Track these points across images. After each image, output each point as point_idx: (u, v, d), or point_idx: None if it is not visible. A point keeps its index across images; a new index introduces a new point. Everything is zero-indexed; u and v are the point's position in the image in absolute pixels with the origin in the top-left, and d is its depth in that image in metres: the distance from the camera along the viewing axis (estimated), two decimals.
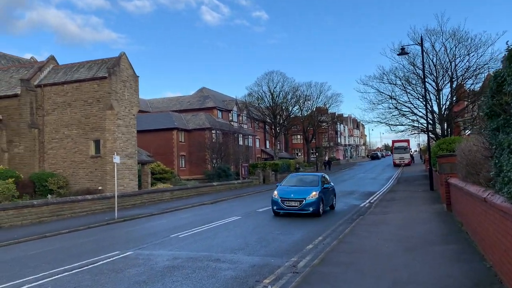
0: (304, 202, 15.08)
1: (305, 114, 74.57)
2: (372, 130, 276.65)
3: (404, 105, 33.25)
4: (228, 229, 12.83)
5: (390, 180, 35.95)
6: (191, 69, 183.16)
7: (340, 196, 23.39)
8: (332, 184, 18.16)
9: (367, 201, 20.74)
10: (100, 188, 26.83)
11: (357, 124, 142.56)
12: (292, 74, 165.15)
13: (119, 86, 28.16)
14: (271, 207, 16.40)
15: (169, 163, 44.73)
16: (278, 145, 76.34)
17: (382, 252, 8.51)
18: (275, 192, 16.18)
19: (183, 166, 47.04)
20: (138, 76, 30.55)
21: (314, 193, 15.33)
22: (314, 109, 77.45)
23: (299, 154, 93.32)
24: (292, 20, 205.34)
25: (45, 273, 7.86)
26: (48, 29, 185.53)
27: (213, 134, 46.27)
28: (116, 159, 17.39)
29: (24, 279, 7.50)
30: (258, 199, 24.54)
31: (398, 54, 24.28)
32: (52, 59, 30.57)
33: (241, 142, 55.89)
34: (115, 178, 18.96)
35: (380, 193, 24.56)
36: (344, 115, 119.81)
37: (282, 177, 45.62)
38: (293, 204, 15.28)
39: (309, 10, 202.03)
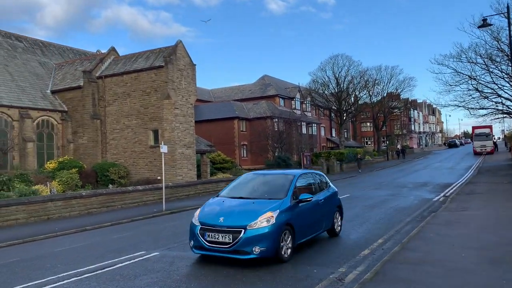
0: (241, 236, 7.36)
1: (375, 100, 70.75)
2: (450, 116, 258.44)
3: (487, 86, 29.37)
4: None
5: (469, 170, 32.26)
6: (256, 59, 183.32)
7: (412, 189, 21.02)
8: (330, 190, 10.21)
9: (442, 194, 18.22)
10: (159, 178, 26.71)
11: (432, 110, 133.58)
12: (361, 59, 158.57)
13: (175, 75, 27.72)
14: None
15: (231, 152, 44.23)
16: (345, 133, 73.29)
17: (458, 265, 6.60)
18: (197, 212, 8.40)
19: (245, 155, 46.34)
20: (195, 65, 29.93)
21: (266, 215, 7.59)
22: (385, 95, 73.35)
23: (369, 142, 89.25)
24: (360, 3, 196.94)
25: (53, 277, 7.05)
26: (122, 26, 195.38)
27: (274, 123, 44.92)
28: (164, 149, 16.66)
29: (25, 285, 6.72)
30: None
31: (479, 27, 21.01)
32: (112, 50, 30.94)
33: (304, 131, 54.02)
34: (163, 168, 18.26)
35: (458, 185, 21.70)
36: (419, 101, 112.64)
37: (348, 167, 43.28)
38: (220, 240, 7.48)
39: None
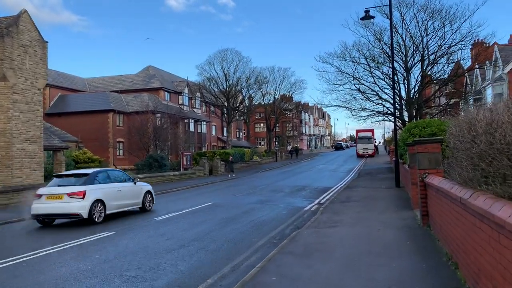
0: None
1: (268, 101, 70.18)
2: (337, 120, 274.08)
3: (369, 88, 28.83)
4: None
5: (350, 173, 31.68)
6: (153, 56, 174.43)
7: (287, 194, 18.70)
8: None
9: (317, 201, 16.07)
10: None
11: (322, 114, 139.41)
12: (258, 62, 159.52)
13: (16, 51, 22.27)
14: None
15: (104, 150, 38.93)
16: (237, 133, 71.38)
17: None
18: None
19: (121, 154, 41.24)
20: (47, 42, 24.67)
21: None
22: (278, 97, 73.32)
23: (262, 143, 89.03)
24: (258, 8, 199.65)
25: None
26: (2, 10, 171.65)
27: (157, 118, 40.55)
28: None
29: None
30: (189, 196, 19.51)
31: (361, 19, 19.56)
32: None
33: (192, 128, 50.49)
34: None
35: (336, 190, 20.02)
36: (310, 104, 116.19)
37: (234, 168, 40.73)
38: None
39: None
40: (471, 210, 4.74)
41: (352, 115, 28.81)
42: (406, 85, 27.15)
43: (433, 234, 8.44)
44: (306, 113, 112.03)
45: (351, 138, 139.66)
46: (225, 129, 66.74)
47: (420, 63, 27.43)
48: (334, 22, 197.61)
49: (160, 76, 49.88)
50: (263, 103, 70.73)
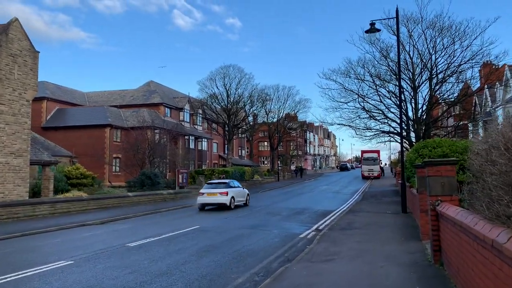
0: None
1: (272, 120, 69.19)
2: (343, 140, 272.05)
3: (374, 106, 27.52)
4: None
5: (355, 195, 30.10)
6: (158, 74, 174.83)
7: (283, 218, 17.25)
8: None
9: (315, 227, 14.58)
10: None
11: (328, 134, 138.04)
12: (262, 81, 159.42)
13: (4, 60, 21.31)
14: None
15: (99, 166, 37.71)
16: (240, 151, 70.06)
17: None
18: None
19: (117, 170, 39.94)
20: (39, 52, 23.78)
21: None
22: (283, 115, 72.42)
23: (265, 162, 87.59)
24: (264, 28, 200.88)
25: None
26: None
27: (155, 134, 39.36)
28: None
29: None
30: (178, 217, 18.06)
31: (366, 31, 18.26)
32: None
33: (193, 146, 49.29)
34: None
35: (338, 214, 18.51)
36: (315, 124, 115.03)
37: None
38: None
39: (280, 18, 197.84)
40: (511, 261, 3.33)
41: (357, 134, 27.46)
42: (413, 104, 25.82)
43: (447, 275, 6.96)
44: (311, 133, 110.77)
45: (357, 159, 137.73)
46: (226, 146, 65.63)
47: (428, 82, 26.15)
48: (339, 40, 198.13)
49: (161, 92, 48.95)
50: (267, 121, 69.78)
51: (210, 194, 20.99)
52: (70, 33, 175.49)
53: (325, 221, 16.13)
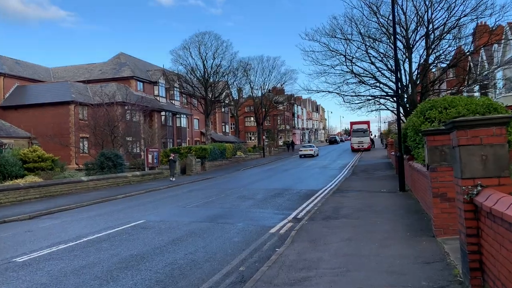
0: None
1: (258, 94, 65.87)
2: (331, 112, 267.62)
3: (364, 70, 24.27)
4: None
5: (343, 170, 27.24)
6: (142, 51, 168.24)
7: (256, 203, 14.21)
8: None
9: (293, 214, 11.55)
10: None
11: (316, 107, 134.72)
12: (247, 54, 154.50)
13: None
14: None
15: (65, 148, 34.15)
16: (223, 126, 66.72)
17: None
18: None
19: (85, 151, 36.45)
20: None
21: None
22: (269, 88, 69.25)
23: (253, 138, 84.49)
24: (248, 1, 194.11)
25: None
26: None
27: (127, 111, 35.79)
28: None
29: None
30: (126, 207, 14.88)
31: None
32: None
33: (170, 122, 45.83)
34: None
35: (324, 194, 15.55)
36: (303, 97, 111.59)
37: (213, 165, 36.20)
38: None
39: None
40: None
41: (344, 101, 24.21)
42: (408, 65, 22.61)
43: None
44: (299, 106, 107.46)
45: (346, 131, 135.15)
46: (206, 122, 62.07)
47: (424, 39, 22.88)
48: (325, 11, 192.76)
49: (132, 64, 44.90)
50: (252, 95, 66.45)
51: (305, 150, 46.24)
52: (49, 11, 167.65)
53: (307, 205, 13.11)
